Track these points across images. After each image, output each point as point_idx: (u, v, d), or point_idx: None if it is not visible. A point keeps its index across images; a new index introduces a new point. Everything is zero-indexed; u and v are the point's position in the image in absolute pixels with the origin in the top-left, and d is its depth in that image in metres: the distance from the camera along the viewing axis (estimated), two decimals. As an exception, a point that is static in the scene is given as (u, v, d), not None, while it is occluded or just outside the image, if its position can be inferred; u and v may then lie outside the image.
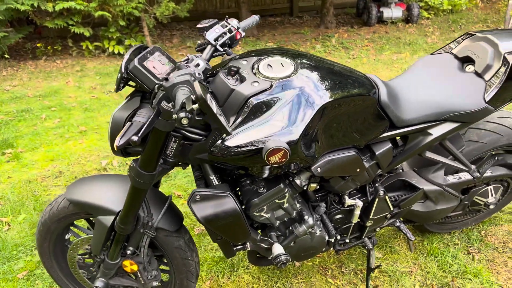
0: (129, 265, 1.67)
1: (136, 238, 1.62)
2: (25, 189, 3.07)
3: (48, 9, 5.83)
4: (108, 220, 1.58)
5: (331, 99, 1.38)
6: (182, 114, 1.02)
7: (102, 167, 3.37)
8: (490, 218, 2.40)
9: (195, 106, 1.02)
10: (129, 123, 1.27)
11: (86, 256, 1.79)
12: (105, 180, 1.69)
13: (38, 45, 7.09)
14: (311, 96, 1.36)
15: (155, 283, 1.74)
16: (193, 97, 1.05)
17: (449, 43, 1.88)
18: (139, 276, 1.71)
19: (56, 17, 6.17)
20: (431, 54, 1.88)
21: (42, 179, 3.24)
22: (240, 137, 1.32)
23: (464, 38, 1.81)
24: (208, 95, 1.07)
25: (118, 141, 1.21)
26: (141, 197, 1.48)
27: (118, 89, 1.36)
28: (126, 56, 1.32)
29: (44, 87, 5.50)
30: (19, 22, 7.21)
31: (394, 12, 7.52)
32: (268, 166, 1.38)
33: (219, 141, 1.33)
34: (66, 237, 1.84)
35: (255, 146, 1.31)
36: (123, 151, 1.44)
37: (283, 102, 1.34)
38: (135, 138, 1.17)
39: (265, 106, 1.34)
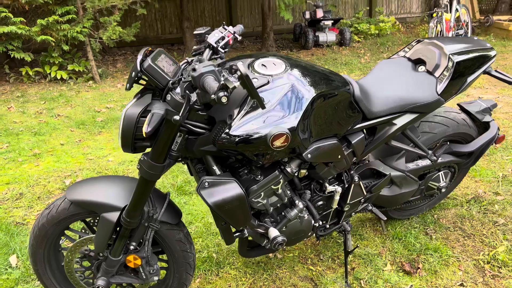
0: (133, 260, 1.73)
1: (140, 233, 1.70)
2: (-15, 213, 2.95)
3: (-14, 34, 5.62)
4: (113, 216, 1.64)
5: (319, 92, 1.60)
6: (221, 94, 1.18)
7: (66, 186, 3.32)
8: (439, 204, 2.74)
9: (237, 84, 1.18)
10: (150, 113, 1.39)
11: (84, 258, 1.82)
12: (105, 180, 1.75)
13: (-28, 72, 6.74)
14: (302, 90, 1.57)
15: (155, 278, 1.81)
16: (231, 79, 1.21)
17: (402, 49, 2.20)
18: (141, 271, 1.77)
19: (-6, 42, 5.95)
20: (388, 58, 2.19)
21: (1, 202, 3.12)
22: (247, 126, 1.49)
23: (414, 44, 2.14)
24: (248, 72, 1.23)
25: (146, 128, 1.32)
26: (150, 189, 1.58)
27: (130, 86, 1.47)
28: (139, 57, 1.45)
29: (-17, 114, 5.24)
30: None
31: (328, 36, 8.13)
32: (269, 151, 1.55)
33: (228, 131, 1.48)
34: (60, 242, 1.86)
35: (260, 133, 1.49)
36: (132, 147, 1.54)
37: (280, 95, 1.54)
38: (177, 117, 1.31)
39: (265, 99, 1.52)
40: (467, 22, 7.58)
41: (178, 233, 1.79)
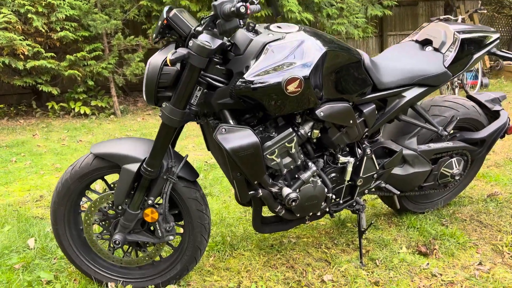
0: (150, 214, 1.77)
1: (159, 186, 1.76)
2: (5, 210, 3.02)
3: (18, 67, 6.00)
4: (134, 167, 1.72)
5: (330, 48, 1.72)
6: (239, 4, 1.31)
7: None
8: (454, 201, 2.72)
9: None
10: (173, 50, 1.51)
11: (103, 217, 1.87)
12: (127, 140, 1.86)
13: (0, 106, 7.10)
14: (315, 45, 1.70)
15: (171, 237, 1.83)
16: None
17: (410, 34, 2.34)
18: (157, 228, 1.81)
19: (25, 75, 6.32)
20: (396, 44, 2.32)
21: (22, 204, 3.20)
22: (263, 73, 1.60)
23: (422, 27, 2.28)
24: None
25: (171, 56, 1.44)
26: (170, 136, 1.67)
27: (156, 37, 1.61)
28: (165, 9, 1.60)
29: (9, 139, 5.47)
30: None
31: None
32: (284, 98, 1.63)
33: (245, 77, 1.59)
34: (80, 203, 1.92)
35: (275, 78, 1.59)
36: (155, 98, 1.65)
37: (294, 46, 1.66)
38: (200, 28, 1.44)
39: (280, 50, 1.64)
40: (478, 69, 7.77)
41: (195, 192, 1.84)
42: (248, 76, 1.59)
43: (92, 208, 1.84)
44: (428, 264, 2.06)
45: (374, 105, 1.97)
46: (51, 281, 2.05)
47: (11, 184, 3.70)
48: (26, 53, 5.89)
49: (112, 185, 1.90)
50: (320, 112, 1.76)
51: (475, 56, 2.10)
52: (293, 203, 1.80)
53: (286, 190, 1.80)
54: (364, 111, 1.94)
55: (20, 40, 5.83)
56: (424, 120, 2.17)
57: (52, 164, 4.24)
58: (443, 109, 2.28)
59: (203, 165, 3.83)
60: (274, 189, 1.83)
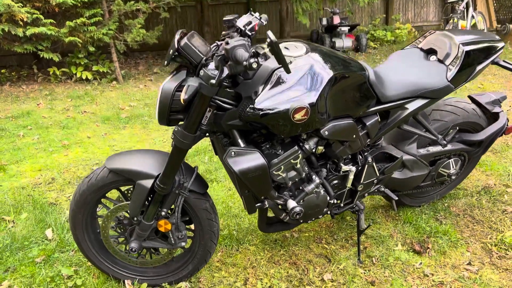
0: (164, 225, 1.90)
1: (171, 199, 1.87)
2: (20, 194, 3.16)
3: (18, 34, 5.92)
4: (148, 183, 1.82)
5: (337, 72, 1.76)
6: (252, 60, 1.35)
7: (95, 172, 3.52)
8: (450, 193, 2.85)
9: (267, 49, 1.36)
10: (187, 84, 1.57)
11: (120, 224, 2.00)
12: (140, 153, 1.94)
13: (2, 71, 7.08)
14: (322, 70, 1.74)
15: (183, 243, 1.97)
16: (261, 46, 1.39)
17: (415, 40, 2.36)
18: (171, 236, 1.94)
19: (25, 42, 6.25)
20: (401, 50, 2.35)
21: (34, 186, 3.34)
22: (270, 100, 1.66)
23: (426, 35, 2.29)
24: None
25: (184, 96, 1.50)
26: (182, 157, 1.76)
27: (168, 63, 1.65)
28: (177, 36, 1.63)
29: (14, 109, 5.52)
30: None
31: (345, 42, 8.28)
32: (290, 124, 1.71)
33: (254, 105, 1.65)
34: (97, 210, 2.04)
35: (282, 106, 1.65)
36: (167, 120, 1.72)
37: (301, 73, 1.70)
38: (213, 81, 1.49)
39: (288, 76, 1.69)
40: (483, 30, 7.67)
41: (205, 202, 1.95)
42: (256, 104, 1.65)
43: (109, 217, 1.97)
44: (421, 263, 2.22)
45: (377, 117, 2.04)
46: (72, 276, 2.22)
47: (21, 162, 3.82)
48: (25, 19, 5.81)
49: (127, 193, 2.01)
50: (324, 131, 1.84)
51: (479, 67, 2.14)
52: (298, 216, 1.92)
53: (291, 204, 1.92)
54: (367, 124, 2.01)
55: (18, 6, 5.72)
56: (424, 128, 2.25)
57: (60, 141, 4.33)
58: (444, 113, 2.35)
59: (208, 145, 3.93)
60: (280, 201, 1.95)
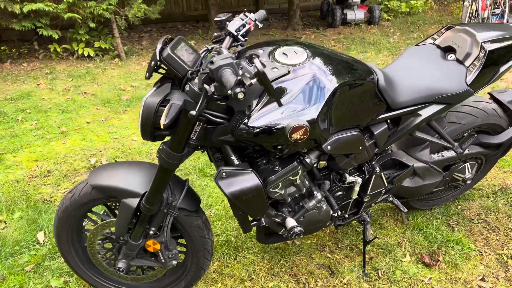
0: (152, 245, 1.77)
1: (159, 219, 1.73)
2: (14, 189, 3.06)
3: (15, 11, 5.70)
4: (133, 202, 1.67)
5: (340, 83, 1.55)
6: (238, 90, 1.16)
7: (91, 165, 3.40)
8: (464, 194, 2.67)
9: (253, 80, 1.16)
10: (169, 105, 1.39)
11: (106, 240, 1.87)
12: (126, 166, 1.78)
13: (2, 48, 6.89)
14: (324, 81, 1.53)
15: (174, 262, 1.85)
16: (248, 74, 1.19)
17: (432, 35, 2.11)
18: (160, 255, 1.81)
19: (23, 19, 6.04)
20: (416, 45, 2.11)
21: (30, 179, 3.23)
22: (265, 117, 1.47)
23: (445, 30, 2.04)
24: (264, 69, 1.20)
25: (164, 120, 1.33)
26: (169, 177, 1.60)
27: (150, 76, 1.46)
28: (159, 46, 1.43)
29: (14, 90, 5.38)
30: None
31: (357, 14, 7.89)
32: (288, 144, 1.53)
33: (246, 122, 1.47)
34: (83, 224, 1.91)
35: (278, 125, 1.46)
36: (152, 136, 1.55)
37: (301, 85, 1.50)
38: (193, 112, 1.31)
39: (285, 90, 1.49)
40: (505, 1, 7.20)
41: (197, 219, 1.81)
42: (250, 121, 1.47)
43: (94, 234, 1.84)
44: (430, 278, 2.08)
45: (386, 126, 1.84)
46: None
47: (18, 151, 3.71)
48: (21, -4, 5.57)
49: (114, 208, 1.87)
50: (327, 146, 1.65)
51: (502, 69, 1.90)
52: (297, 237, 1.77)
53: (289, 222, 1.76)
54: (375, 133, 1.82)
55: (14, -18, 5.48)
56: (438, 135, 2.04)
57: (58, 127, 4.20)
58: (460, 115, 2.13)
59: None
60: (278, 219, 1.79)
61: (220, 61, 1.24)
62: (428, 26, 7.87)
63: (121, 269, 1.80)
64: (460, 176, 2.29)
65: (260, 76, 1.16)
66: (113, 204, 1.86)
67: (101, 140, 3.90)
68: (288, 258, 2.26)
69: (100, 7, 6.09)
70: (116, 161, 3.52)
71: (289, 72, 1.51)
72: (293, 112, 1.48)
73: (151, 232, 1.76)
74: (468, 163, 2.27)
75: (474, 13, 6.44)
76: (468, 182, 2.32)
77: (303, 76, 1.52)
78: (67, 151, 3.69)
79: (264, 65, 1.51)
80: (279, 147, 1.54)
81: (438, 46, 2.01)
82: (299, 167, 1.68)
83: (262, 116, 1.47)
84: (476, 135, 2.13)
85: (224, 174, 1.56)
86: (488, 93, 2.32)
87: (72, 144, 3.83)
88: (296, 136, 1.45)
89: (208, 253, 1.89)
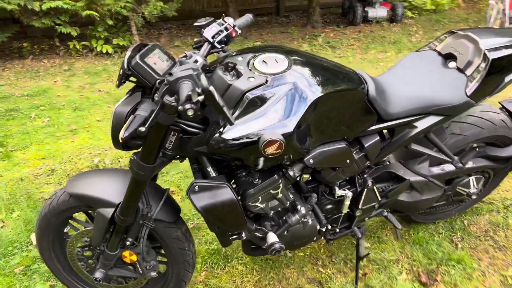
0: (128, 256, 1.72)
1: (135, 230, 1.68)
2: (17, 187, 3.09)
3: (35, 9, 5.80)
4: (108, 212, 1.63)
5: (322, 94, 1.45)
6: (188, 106, 1.09)
7: (95, 164, 3.40)
8: (472, 208, 2.51)
9: (201, 98, 1.09)
10: (132, 116, 1.33)
11: (85, 248, 1.84)
12: (104, 174, 1.74)
13: (25, 44, 7.04)
14: (304, 91, 1.44)
15: (153, 273, 1.80)
16: (198, 90, 1.12)
17: (433, 41, 1.98)
18: (138, 266, 1.76)
19: (43, 16, 6.13)
20: (416, 51, 1.98)
21: (34, 177, 3.26)
22: (238, 129, 1.39)
23: (446, 36, 1.91)
24: (212, 87, 1.13)
25: (123, 133, 1.27)
26: (142, 189, 1.54)
27: (120, 84, 1.41)
28: (128, 53, 1.38)
29: (32, 87, 5.47)
30: (4, 22, 7.14)
31: (379, 11, 7.66)
32: (264, 157, 1.45)
33: (218, 134, 1.39)
34: (65, 230, 1.89)
35: (251, 138, 1.38)
36: (124, 144, 1.49)
37: (278, 96, 1.41)
38: (142, 129, 1.24)
39: (261, 101, 1.41)
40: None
41: (176, 231, 1.75)
42: (223, 133, 1.39)
43: (74, 241, 1.81)
44: (425, 299, 1.96)
45: (378, 138, 1.73)
46: (48, 292, 2.12)
47: (27, 149, 3.75)
48: (41, -7, 5.66)
49: (93, 216, 1.83)
50: (309, 160, 1.56)
51: (508, 78, 1.75)
52: (277, 253, 1.69)
53: (270, 238, 1.68)
54: (366, 145, 1.71)
55: (33, -20, 5.56)
56: (436, 148, 1.91)
57: (68, 125, 4.24)
58: (465, 126, 1.99)
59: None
60: (259, 234, 1.72)
61: (179, 73, 1.17)
62: (453, 24, 7.56)
63: (97, 279, 1.76)
64: (464, 191, 2.15)
65: (206, 92, 1.08)
66: (93, 213, 1.82)
67: (108, 139, 3.90)
68: (278, 271, 2.18)
69: (118, 4, 6.13)
70: (119, 160, 3.52)
71: (266, 82, 1.43)
72: (269, 125, 1.39)
73: (128, 243, 1.71)
74: (473, 177, 2.12)
75: (500, 11, 6.11)
76: (474, 197, 2.18)
77: (282, 86, 1.43)
78: (74, 149, 3.71)
79: (241, 74, 1.43)
80: (254, 161, 1.46)
81: (439, 53, 1.87)
82: (280, 180, 1.59)
83: (236, 127, 1.39)
84: (477, 149, 1.99)
85: (196, 187, 1.49)
86: (499, 102, 2.16)
87: (80, 143, 3.85)
88: (270, 150, 1.37)
89: (189, 265, 1.83)
